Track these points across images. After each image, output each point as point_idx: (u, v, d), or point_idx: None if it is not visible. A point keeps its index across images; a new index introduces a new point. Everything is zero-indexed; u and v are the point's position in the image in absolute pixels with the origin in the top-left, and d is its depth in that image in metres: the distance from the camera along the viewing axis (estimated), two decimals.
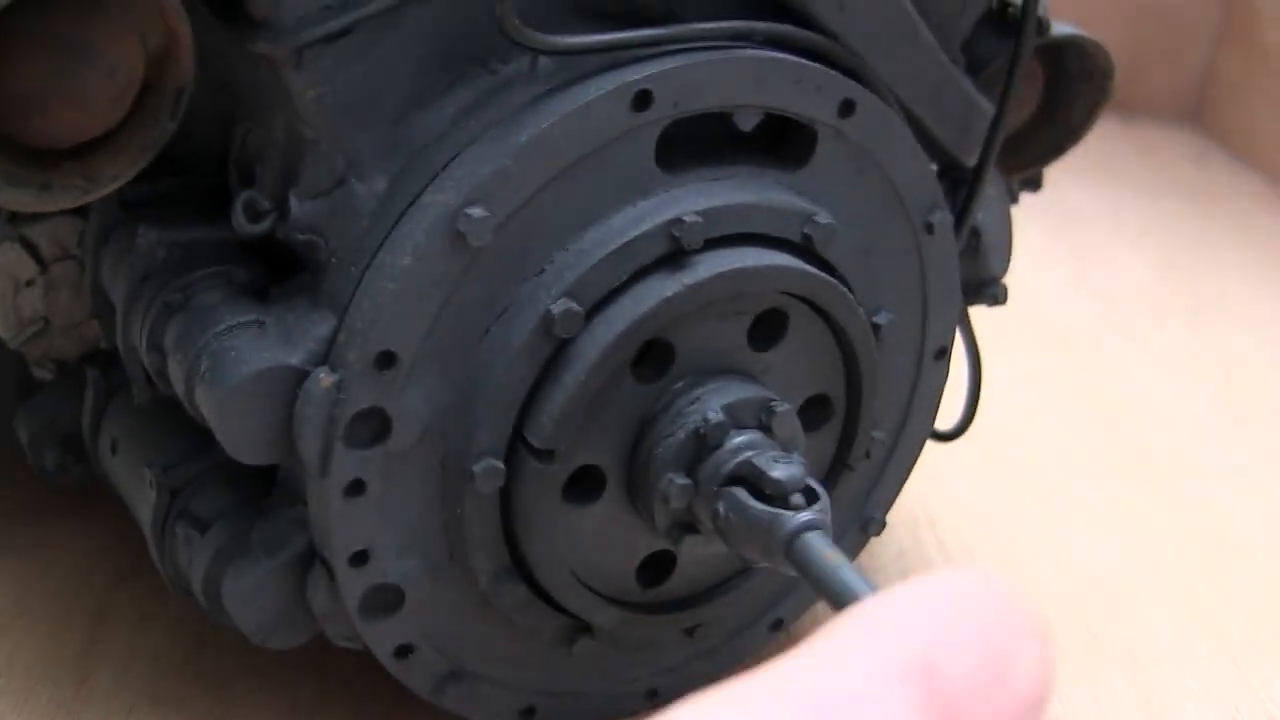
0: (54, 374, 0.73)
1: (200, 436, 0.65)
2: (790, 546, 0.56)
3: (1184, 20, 1.55)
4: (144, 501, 0.67)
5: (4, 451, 0.80)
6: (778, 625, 0.74)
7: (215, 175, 0.64)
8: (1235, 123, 1.54)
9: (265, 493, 0.65)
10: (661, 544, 0.64)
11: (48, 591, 0.78)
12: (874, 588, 0.54)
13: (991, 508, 0.92)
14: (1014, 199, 0.79)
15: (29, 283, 0.70)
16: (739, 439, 0.60)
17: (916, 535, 0.85)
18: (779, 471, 0.58)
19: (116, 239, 0.65)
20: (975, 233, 0.74)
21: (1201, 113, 1.60)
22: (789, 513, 0.57)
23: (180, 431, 0.67)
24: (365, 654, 0.64)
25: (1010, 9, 0.73)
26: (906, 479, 0.75)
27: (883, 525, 0.75)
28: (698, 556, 0.65)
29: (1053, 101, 0.77)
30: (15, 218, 0.66)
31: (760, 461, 0.59)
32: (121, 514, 0.80)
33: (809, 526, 0.57)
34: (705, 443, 0.60)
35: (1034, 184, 0.80)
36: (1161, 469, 0.99)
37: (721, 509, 0.58)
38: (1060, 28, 0.74)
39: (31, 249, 0.69)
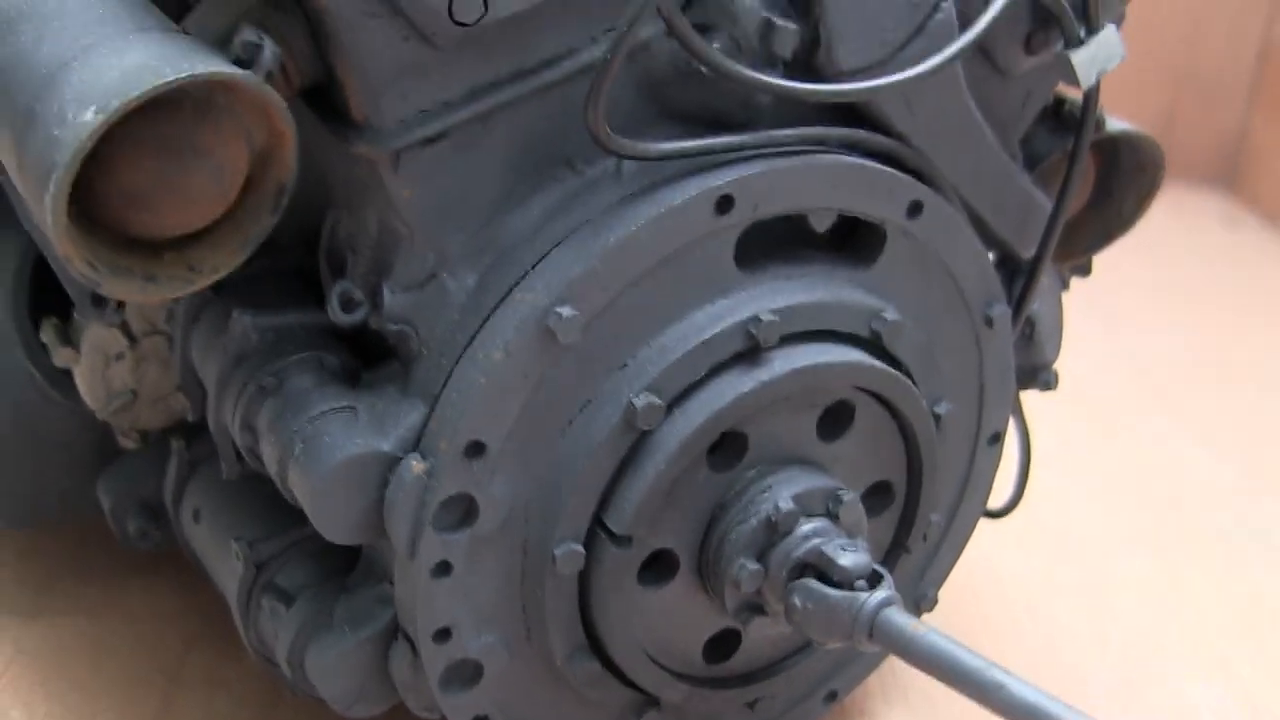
0: (139, 444, 0.75)
1: (285, 512, 0.68)
2: (873, 625, 0.59)
3: (1218, 83, 1.57)
4: (229, 572, 0.69)
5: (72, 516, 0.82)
6: (832, 697, 0.76)
7: (301, 256, 0.67)
8: (1267, 187, 1.57)
9: (348, 568, 0.67)
10: (728, 623, 0.67)
11: (122, 654, 0.80)
12: (965, 648, 0.56)
13: (1033, 581, 0.94)
14: (1065, 286, 0.81)
15: (119, 356, 0.72)
16: (807, 527, 0.63)
17: (961, 608, 0.87)
18: (846, 559, 0.61)
19: (207, 318, 0.67)
20: (1030, 322, 0.77)
21: (1234, 176, 1.62)
22: (865, 594, 0.59)
23: (265, 506, 0.69)
24: None
25: (1066, 106, 0.75)
26: (959, 557, 0.77)
27: (934, 602, 0.77)
28: (763, 635, 0.67)
29: (1104, 193, 0.79)
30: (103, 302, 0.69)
31: (829, 550, 0.62)
32: (190, 579, 0.82)
33: (886, 604, 0.59)
34: (776, 530, 0.63)
35: (1084, 270, 0.82)
36: (1198, 540, 1.01)
37: (798, 600, 0.61)
38: (1114, 123, 0.76)
39: (122, 325, 0.71)
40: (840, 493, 0.64)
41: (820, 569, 0.62)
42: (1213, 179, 1.61)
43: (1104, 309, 1.28)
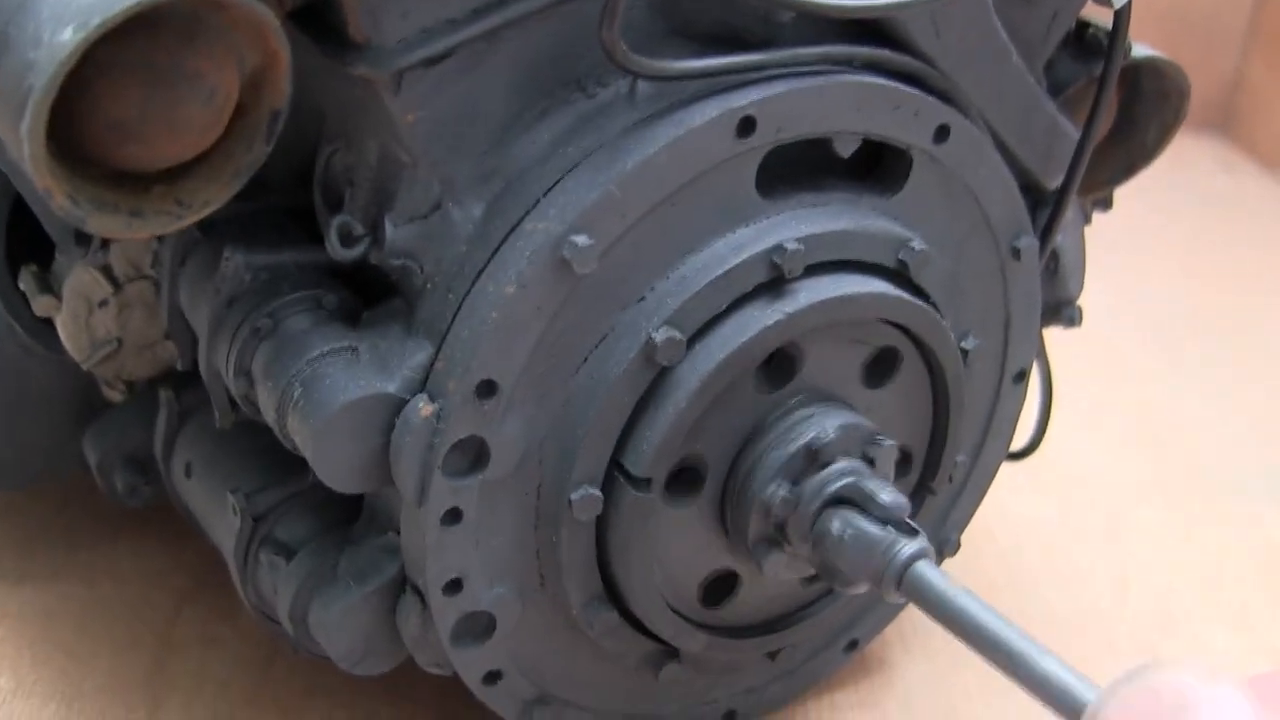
0: (125, 395, 0.72)
1: (283, 462, 0.64)
2: (904, 576, 0.56)
3: (1213, 27, 1.55)
4: (225, 527, 0.66)
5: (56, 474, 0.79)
6: (852, 646, 0.74)
7: (292, 195, 0.64)
8: (1264, 132, 1.54)
9: (350, 519, 0.64)
10: (728, 563, 0.63)
11: (110, 615, 0.77)
12: (994, 611, 0.54)
13: (1046, 525, 0.92)
14: (1087, 219, 0.78)
15: (102, 303, 0.69)
16: (845, 463, 0.60)
17: (977, 550, 0.85)
18: (886, 497, 0.58)
19: (195, 260, 0.64)
20: (1054, 255, 0.74)
21: (1230, 121, 1.60)
22: (903, 539, 0.56)
23: (261, 456, 0.66)
24: (442, 678, 0.64)
25: (1090, 31, 0.72)
26: (981, 500, 0.74)
27: (957, 546, 0.75)
28: (761, 583, 0.65)
29: (1127, 122, 0.77)
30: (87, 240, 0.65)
31: (868, 486, 0.59)
32: (178, 536, 0.79)
33: (920, 555, 0.57)
34: (816, 459, 0.60)
35: (1105, 204, 0.80)
36: (1208, 485, 0.99)
37: (835, 527, 0.58)
38: (1138, 49, 0.73)
39: (105, 269, 0.68)
40: (880, 437, 0.61)
41: (858, 505, 0.59)
42: (1209, 124, 1.59)
43: (1101, 254, 1.25)
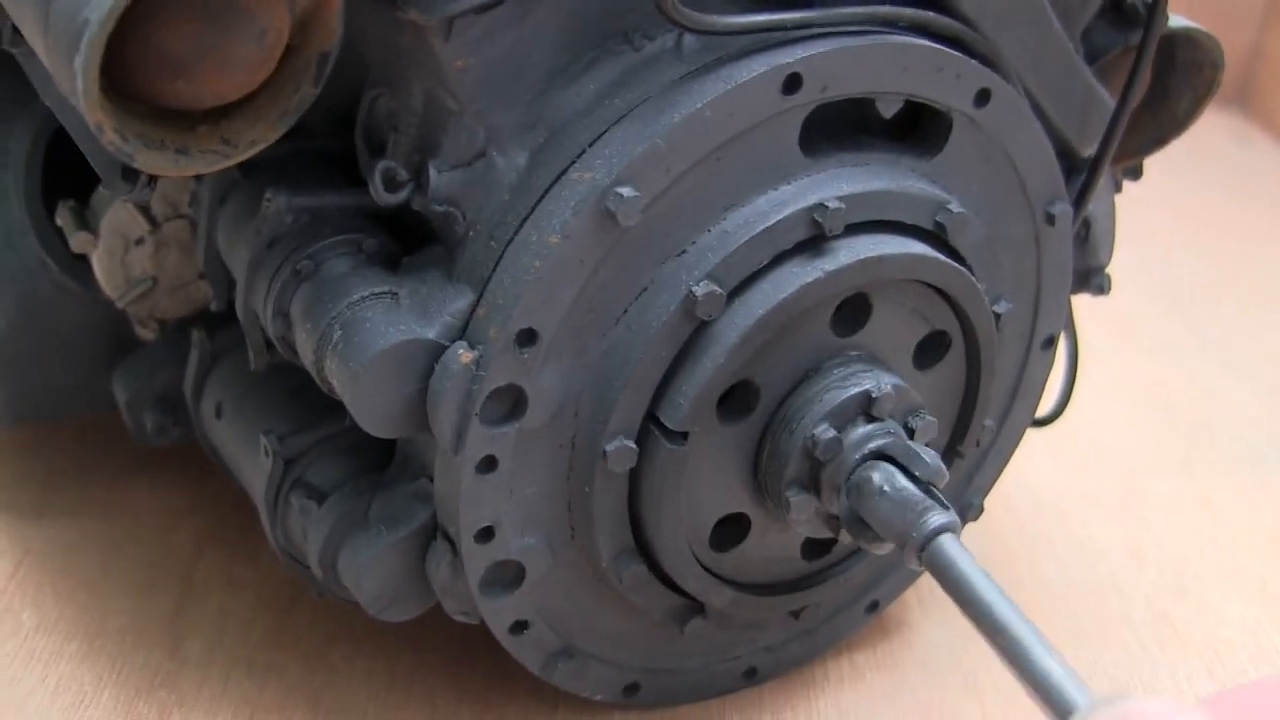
0: (157, 334, 0.72)
1: (315, 405, 0.65)
2: (927, 545, 0.56)
3: (1227, 4, 1.54)
4: (255, 469, 0.66)
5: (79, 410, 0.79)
6: (874, 607, 0.74)
7: (331, 138, 0.64)
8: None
9: (382, 464, 0.64)
10: (745, 506, 0.64)
11: (132, 555, 0.77)
12: (1007, 599, 0.54)
13: (1064, 494, 0.92)
14: (1118, 188, 0.78)
15: (139, 241, 0.69)
16: (892, 423, 0.60)
17: (995, 520, 0.85)
18: (930, 460, 0.58)
19: (234, 201, 0.64)
20: (1086, 223, 0.74)
21: (1247, 95, 1.59)
22: (934, 507, 0.57)
23: (294, 398, 0.66)
24: (463, 628, 0.64)
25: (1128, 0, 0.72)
26: (1005, 466, 0.75)
27: (980, 511, 0.75)
28: (770, 534, 0.65)
29: (1159, 92, 0.76)
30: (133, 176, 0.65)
31: (914, 446, 0.59)
32: (197, 477, 0.79)
33: (946, 528, 0.57)
34: (869, 409, 0.60)
35: (1135, 172, 0.80)
36: (1225, 457, 0.99)
37: (875, 479, 0.58)
38: (1174, 20, 0.73)
39: (143, 207, 0.68)
40: (924, 411, 0.62)
41: (901, 464, 0.59)
42: (1226, 97, 1.58)
43: (1120, 228, 1.26)
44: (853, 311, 0.61)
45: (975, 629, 0.54)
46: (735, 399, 0.60)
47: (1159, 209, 1.32)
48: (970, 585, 0.55)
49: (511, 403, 0.57)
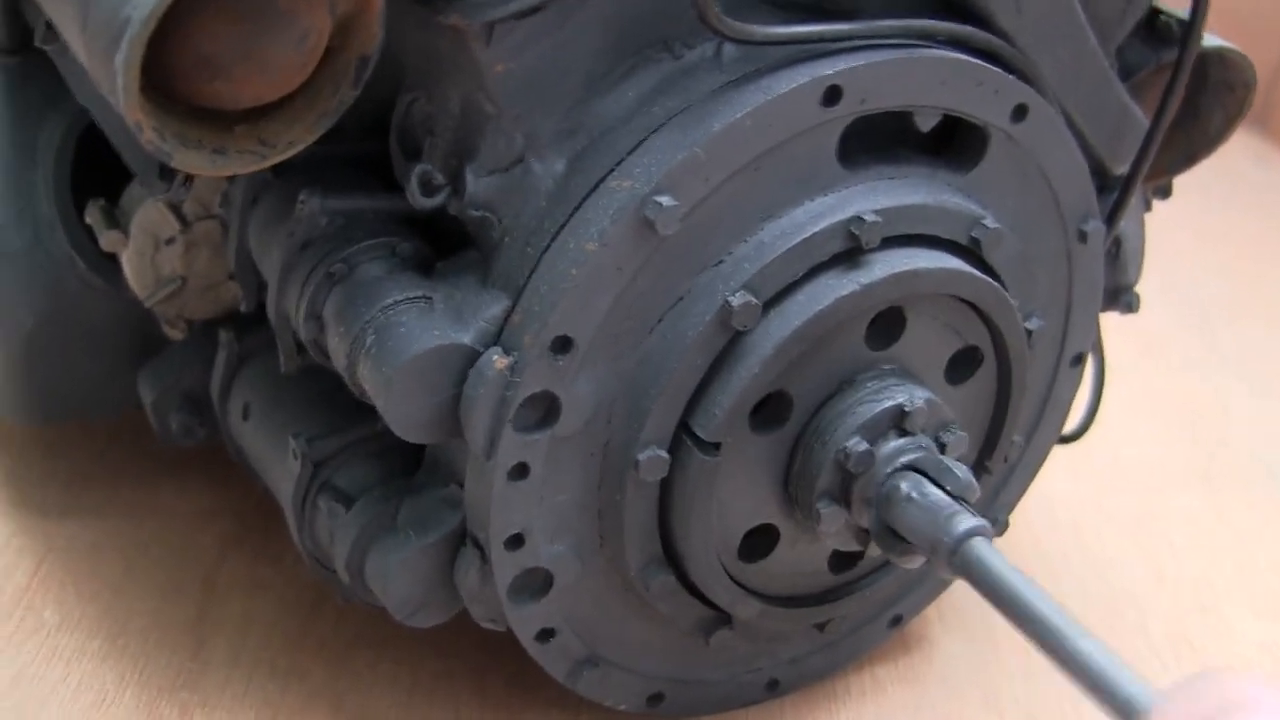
0: (185, 334, 0.72)
1: (344, 408, 0.65)
2: (957, 549, 0.56)
3: (1255, 20, 1.54)
4: (283, 471, 0.66)
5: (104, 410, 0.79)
6: (896, 621, 0.74)
7: (364, 141, 0.63)
8: None
9: (410, 469, 0.64)
10: (774, 517, 0.63)
11: (156, 554, 0.77)
12: (1048, 597, 0.54)
13: (1082, 510, 0.91)
14: (1148, 206, 0.78)
15: (169, 240, 0.69)
16: (924, 438, 0.60)
17: (1014, 534, 0.84)
18: (961, 474, 0.58)
19: (266, 202, 0.64)
20: (1116, 241, 0.74)
21: (1267, 115, 1.59)
22: (964, 512, 0.57)
23: (322, 401, 0.66)
24: (486, 633, 0.64)
25: (1162, 17, 0.72)
26: (1032, 481, 0.75)
27: (1005, 526, 0.75)
28: (798, 545, 0.65)
29: (1191, 110, 0.76)
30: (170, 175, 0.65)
31: (944, 460, 0.59)
32: (222, 478, 0.79)
33: (977, 531, 0.57)
34: (901, 423, 0.60)
35: (1164, 191, 0.79)
36: (1245, 474, 0.98)
37: (904, 487, 0.58)
38: (1207, 39, 0.73)
39: (174, 206, 0.68)
40: (955, 426, 0.62)
41: (932, 476, 0.59)
42: (1249, 118, 1.58)
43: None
44: (887, 325, 0.61)
45: (1019, 631, 0.54)
46: (768, 410, 0.60)
47: (1180, 228, 1.32)
48: (1008, 586, 0.55)
49: (545, 410, 0.57)
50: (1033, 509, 0.88)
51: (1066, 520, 0.90)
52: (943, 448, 0.61)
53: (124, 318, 0.73)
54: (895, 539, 0.59)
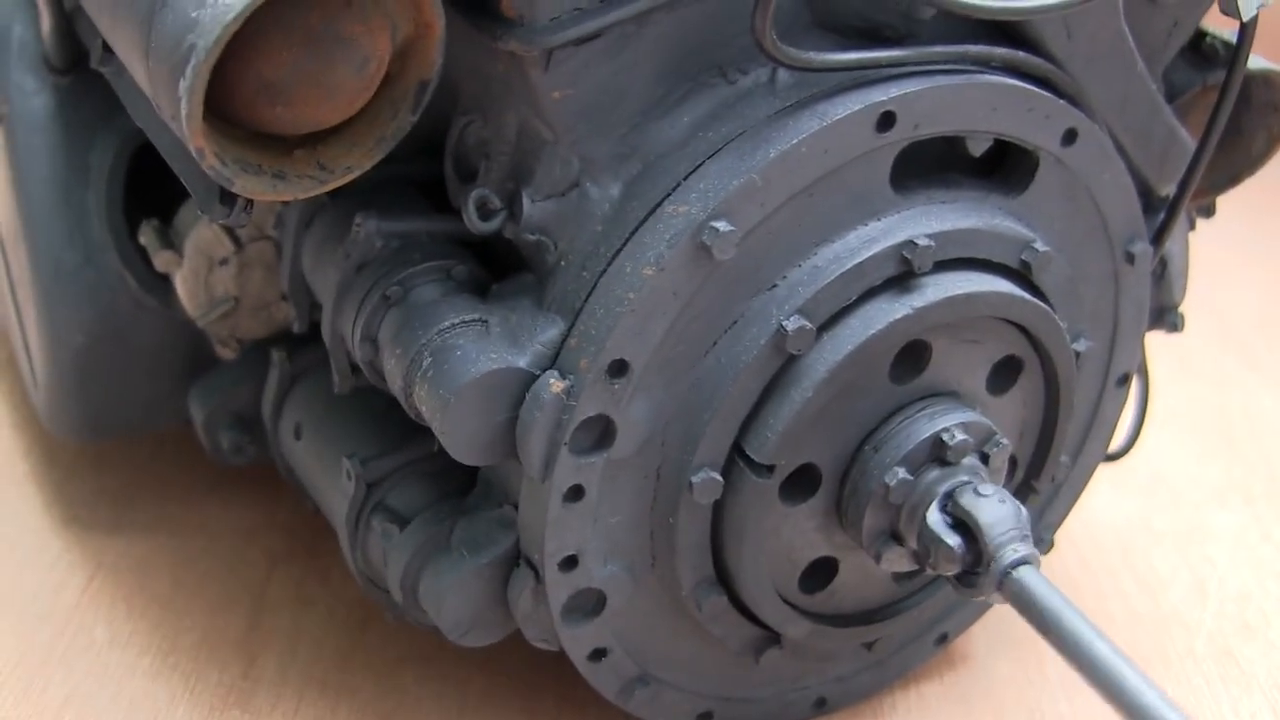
0: (236, 353, 0.72)
1: (397, 429, 0.65)
2: (1005, 579, 0.57)
3: None
4: (336, 491, 0.66)
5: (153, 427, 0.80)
6: (942, 639, 0.74)
7: (416, 164, 0.64)
8: None
9: (464, 490, 0.64)
10: (830, 551, 0.64)
11: (205, 571, 0.78)
12: (1094, 627, 0.54)
13: (1127, 528, 0.91)
14: (1192, 225, 0.78)
15: (223, 261, 0.69)
16: (968, 459, 0.60)
17: (1060, 553, 0.85)
18: (1000, 500, 0.59)
19: (321, 224, 0.64)
20: (1162, 261, 0.74)
21: None
22: (1011, 544, 0.57)
23: (376, 422, 0.67)
24: (534, 650, 0.64)
25: (1206, 39, 0.72)
26: (1077, 500, 0.75)
27: (1051, 545, 0.75)
28: (857, 574, 0.65)
29: (1234, 130, 0.77)
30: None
31: (983, 488, 0.59)
32: (269, 496, 0.80)
33: (1025, 560, 0.57)
34: (939, 453, 0.60)
35: (1208, 210, 0.80)
36: None
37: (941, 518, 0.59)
38: (1252, 60, 0.73)
39: (228, 228, 0.69)
40: (998, 437, 0.62)
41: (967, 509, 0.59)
42: None
43: None
44: (911, 359, 0.61)
45: (1067, 660, 0.54)
46: (800, 478, 0.61)
47: (1214, 242, 1.32)
48: (1056, 616, 0.55)
49: (600, 432, 0.58)
50: (1078, 527, 0.88)
51: (1112, 538, 0.91)
52: (986, 459, 0.61)
53: (175, 337, 0.74)
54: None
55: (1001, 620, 0.79)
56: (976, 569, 0.59)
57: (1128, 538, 0.90)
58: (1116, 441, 0.78)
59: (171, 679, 0.70)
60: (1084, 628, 0.54)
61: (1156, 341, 0.83)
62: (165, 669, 0.71)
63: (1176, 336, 0.83)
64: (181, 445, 0.81)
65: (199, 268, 0.69)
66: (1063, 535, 0.83)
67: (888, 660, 0.73)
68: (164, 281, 0.72)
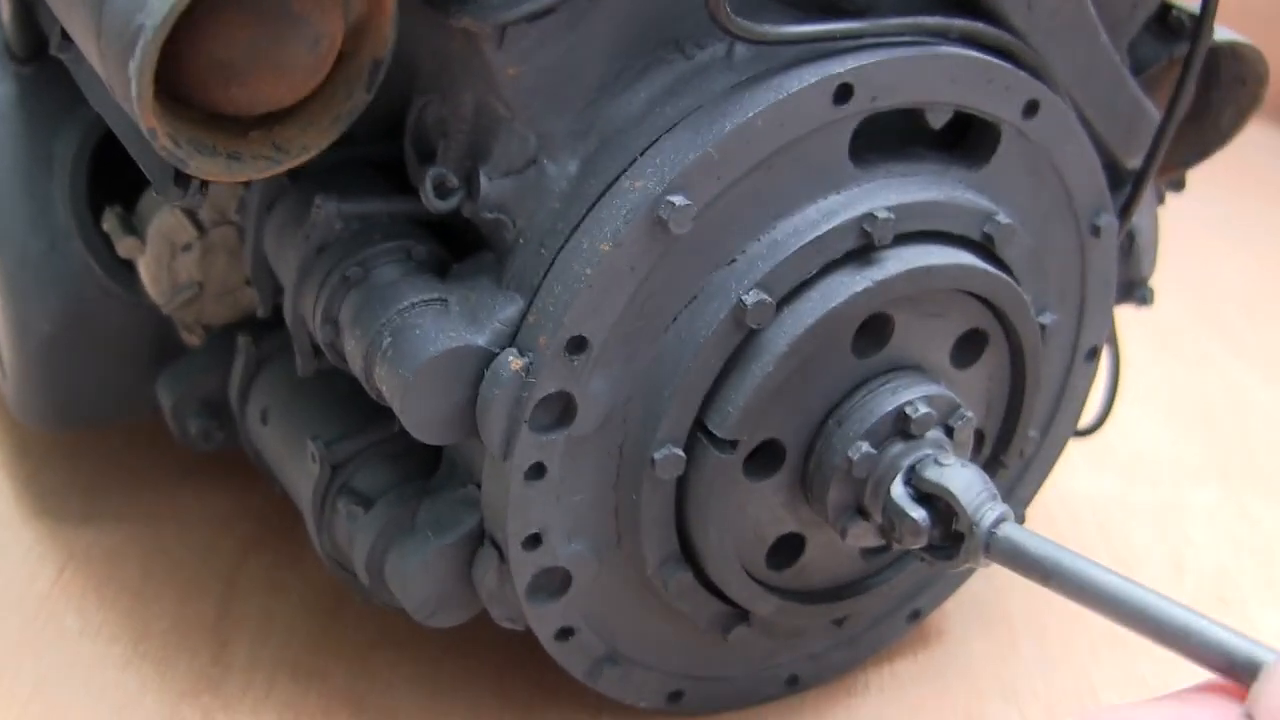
0: (202, 339, 0.72)
1: (361, 411, 0.65)
2: (991, 541, 0.57)
3: (1275, 15, 1.54)
4: (301, 474, 0.66)
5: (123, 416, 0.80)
6: (915, 616, 0.74)
7: (377, 145, 0.64)
8: None
9: (428, 470, 0.64)
10: (797, 527, 0.64)
11: (176, 559, 0.78)
12: (1095, 563, 0.54)
13: (1103, 504, 0.91)
14: (1161, 200, 0.78)
15: (186, 247, 0.69)
16: (930, 433, 0.60)
17: (1036, 528, 0.84)
18: (963, 465, 0.59)
19: (282, 207, 0.64)
20: (1130, 235, 0.74)
21: None
22: (985, 505, 0.57)
23: (340, 404, 0.67)
24: (505, 633, 0.64)
25: (1173, 12, 0.72)
26: (1048, 476, 0.75)
27: (1022, 521, 0.74)
28: (826, 550, 0.65)
29: (1203, 105, 0.76)
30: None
31: (946, 460, 0.59)
32: (242, 483, 0.80)
33: (1003, 518, 0.57)
34: (903, 425, 0.60)
35: (1178, 184, 0.79)
36: (1264, 467, 0.98)
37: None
38: (1218, 32, 0.73)
39: (190, 213, 0.68)
40: (962, 410, 0.62)
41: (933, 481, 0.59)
42: (1266, 112, 1.58)
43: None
44: (872, 333, 0.61)
45: (1079, 602, 0.54)
46: (764, 453, 0.61)
47: (1195, 221, 1.32)
48: (1055, 562, 0.55)
49: (561, 410, 0.58)
50: (1054, 504, 0.88)
51: (1088, 515, 0.90)
52: (950, 432, 0.61)
53: (141, 324, 0.74)
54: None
55: (975, 597, 0.79)
56: (957, 538, 0.59)
57: (1105, 514, 0.90)
58: (1088, 417, 0.78)
59: (142, 667, 0.70)
60: (1086, 565, 0.54)
61: (1138, 320, 0.83)
62: (136, 657, 0.71)
63: (1154, 314, 0.83)
64: (154, 435, 0.80)
65: (162, 254, 0.69)
66: (1040, 511, 0.83)
67: (860, 637, 0.72)
68: (129, 269, 0.71)
